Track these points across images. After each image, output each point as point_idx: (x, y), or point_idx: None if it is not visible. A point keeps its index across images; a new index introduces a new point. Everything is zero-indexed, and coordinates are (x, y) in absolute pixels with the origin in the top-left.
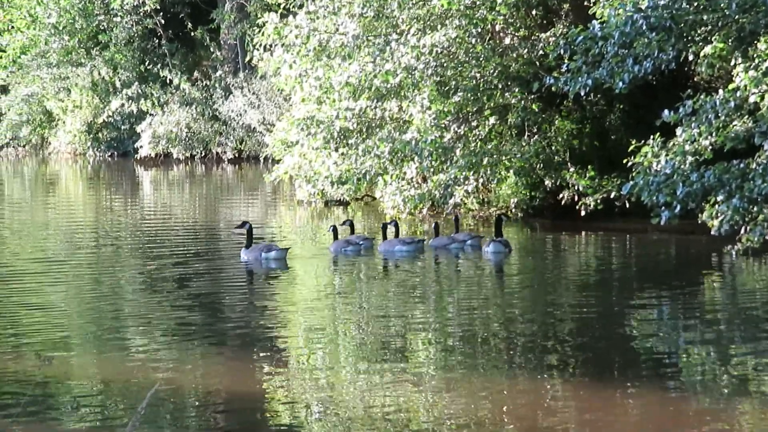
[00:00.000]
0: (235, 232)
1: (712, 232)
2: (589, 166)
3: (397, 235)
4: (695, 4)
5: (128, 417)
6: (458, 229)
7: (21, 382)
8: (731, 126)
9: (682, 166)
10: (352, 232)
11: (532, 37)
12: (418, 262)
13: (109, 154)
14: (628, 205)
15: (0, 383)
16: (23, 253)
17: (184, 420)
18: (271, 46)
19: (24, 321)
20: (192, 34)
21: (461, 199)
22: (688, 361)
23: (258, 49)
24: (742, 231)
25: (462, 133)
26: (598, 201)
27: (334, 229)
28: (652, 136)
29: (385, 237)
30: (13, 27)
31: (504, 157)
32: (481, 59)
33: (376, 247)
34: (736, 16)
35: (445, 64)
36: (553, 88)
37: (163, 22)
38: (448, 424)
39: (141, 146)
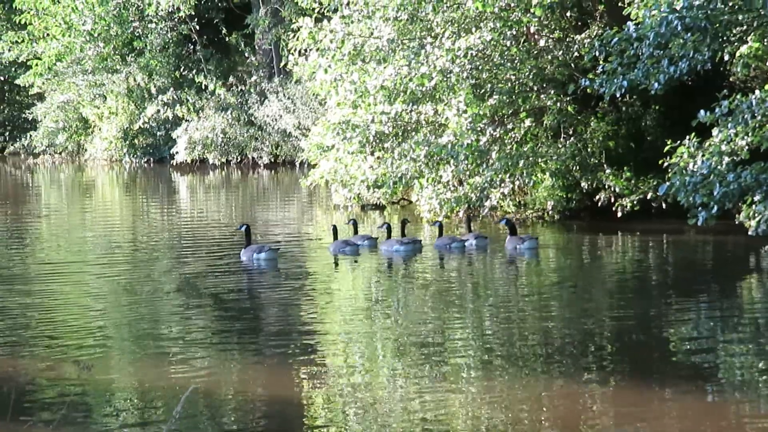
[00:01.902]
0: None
1: (750, 233)
2: (625, 168)
3: (389, 235)
4: (730, 4)
5: (168, 421)
6: (470, 230)
7: (61, 388)
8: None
9: (719, 167)
10: (356, 231)
11: (567, 39)
12: (453, 263)
13: (145, 160)
14: (664, 206)
15: (40, 389)
16: (60, 259)
17: (222, 422)
18: (305, 50)
19: (62, 326)
20: (227, 39)
21: (497, 202)
22: (727, 364)
23: (293, 54)
24: None
25: (498, 135)
26: (635, 202)
27: (334, 229)
28: (688, 137)
29: (389, 236)
30: (48, 34)
31: (540, 160)
32: (516, 62)
33: (379, 247)
34: None
35: (480, 67)
36: (588, 90)
37: (197, 27)
38: (485, 428)
39: (177, 152)
